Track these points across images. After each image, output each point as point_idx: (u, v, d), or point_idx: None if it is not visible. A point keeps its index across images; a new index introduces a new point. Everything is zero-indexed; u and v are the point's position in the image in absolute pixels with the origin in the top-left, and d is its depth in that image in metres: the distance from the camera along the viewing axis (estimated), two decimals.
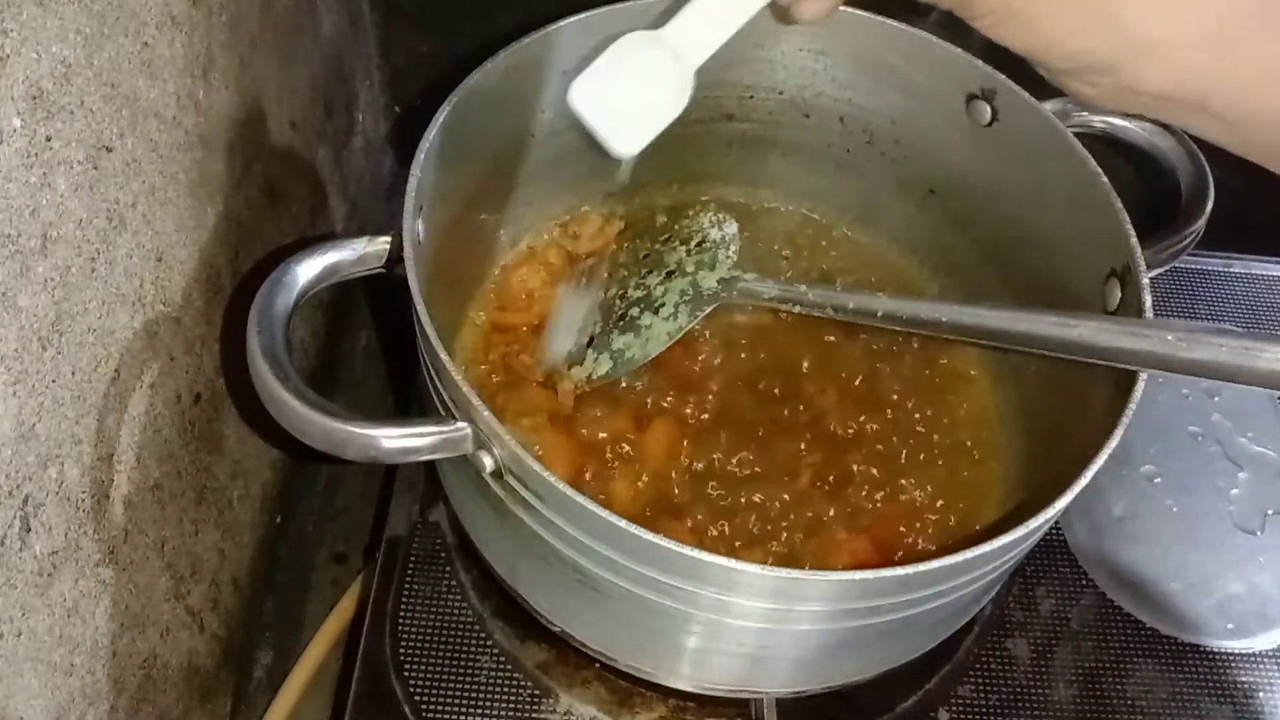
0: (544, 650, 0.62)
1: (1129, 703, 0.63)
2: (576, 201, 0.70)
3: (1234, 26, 0.44)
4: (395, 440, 0.47)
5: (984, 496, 0.62)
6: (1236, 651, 0.65)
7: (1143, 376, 0.49)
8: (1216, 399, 0.76)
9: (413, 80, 0.89)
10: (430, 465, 0.66)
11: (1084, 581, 0.67)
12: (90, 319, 0.45)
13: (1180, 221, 0.60)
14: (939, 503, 0.60)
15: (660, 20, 0.51)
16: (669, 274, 0.63)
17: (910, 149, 0.66)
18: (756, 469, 0.60)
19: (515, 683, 0.61)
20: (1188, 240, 0.60)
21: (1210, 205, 0.61)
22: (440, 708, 0.59)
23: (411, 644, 0.61)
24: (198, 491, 0.58)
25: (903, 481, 0.61)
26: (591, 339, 0.61)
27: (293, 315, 0.49)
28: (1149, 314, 0.52)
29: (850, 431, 0.62)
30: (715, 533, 0.58)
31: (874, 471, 0.61)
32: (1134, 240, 0.54)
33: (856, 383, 0.64)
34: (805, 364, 0.64)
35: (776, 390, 0.63)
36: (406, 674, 0.60)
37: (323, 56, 0.74)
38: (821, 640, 0.50)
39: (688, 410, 0.62)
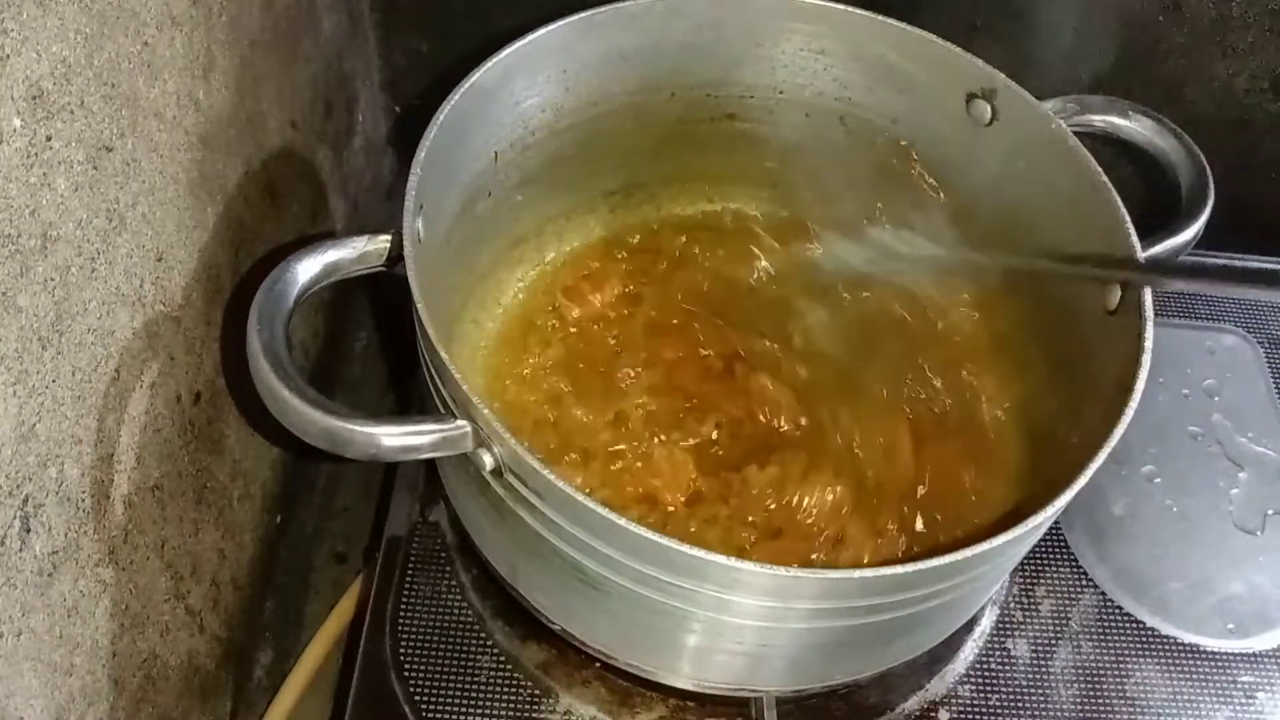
0: (544, 650, 0.62)
1: (1129, 703, 0.63)
2: (576, 201, 0.70)
3: None
4: (396, 438, 0.47)
5: (984, 496, 0.62)
6: (1236, 651, 0.65)
7: (1142, 375, 0.49)
8: (1216, 399, 0.76)
9: (413, 80, 0.89)
10: (430, 465, 0.66)
11: (1084, 581, 0.67)
12: (90, 319, 0.45)
13: (1180, 221, 0.60)
14: (939, 502, 0.60)
15: (660, 20, 0.51)
16: None
17: (911, 148, 0.66)
18: (759, 472, 0.60)
19: (515, 683, 0.60)
20: (1188, 240, 0.60)
21: (1210, 205, 0.60)
22: (440, 708, 0.59)
23: (411, 644, 0.61)
24: (198, 491, 0.58)
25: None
26: None
27: (293, 314, 0.49)
28: (1149, 314, 0.52)
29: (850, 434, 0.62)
30: (715, 534, 0.58)
31: (875, 472, 0.61)
32: (1134, 240, 0.54)
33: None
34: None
35: (781, 398, 0.63)
36: (406, 674, 0.60)
37: (323, 56, 0.74)
38: (821, 638, 0.50)
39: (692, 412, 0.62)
